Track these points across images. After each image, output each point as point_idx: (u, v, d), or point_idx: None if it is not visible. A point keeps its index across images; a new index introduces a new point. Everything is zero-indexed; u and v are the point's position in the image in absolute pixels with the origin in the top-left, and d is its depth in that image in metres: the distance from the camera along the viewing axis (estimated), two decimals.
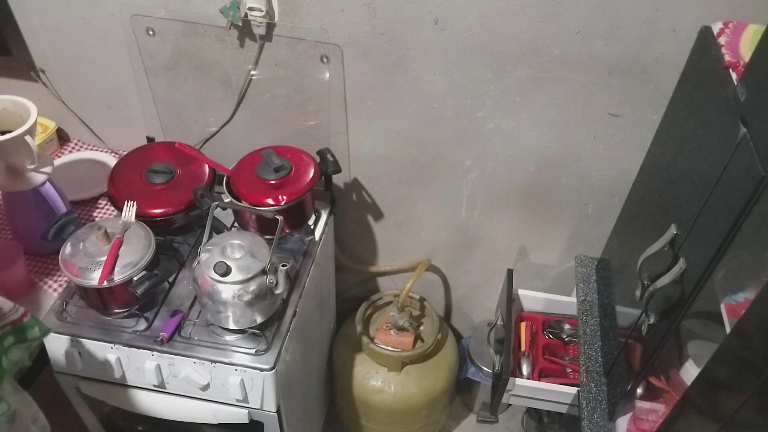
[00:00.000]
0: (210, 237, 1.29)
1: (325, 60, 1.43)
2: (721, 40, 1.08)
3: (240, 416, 1.34)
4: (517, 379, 1.52)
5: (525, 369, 1.60)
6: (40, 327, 1.04)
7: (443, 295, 1.99)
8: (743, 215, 0.81)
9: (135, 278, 1.22)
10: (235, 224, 1.51)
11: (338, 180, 1.67)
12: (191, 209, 1.43)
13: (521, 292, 1.71)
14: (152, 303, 1.34)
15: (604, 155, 1.48)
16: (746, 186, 0.81)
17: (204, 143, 1.67)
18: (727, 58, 1.04)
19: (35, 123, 1.28)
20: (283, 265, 1.25)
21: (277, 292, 1.26)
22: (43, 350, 1.33)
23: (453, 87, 1.42)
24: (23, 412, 1.01)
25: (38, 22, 1.52)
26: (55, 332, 1.29)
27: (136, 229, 1.29)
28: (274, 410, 1.33)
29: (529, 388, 1.53)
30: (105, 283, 1.19)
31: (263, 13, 1.35)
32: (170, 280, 1.39)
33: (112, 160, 1.69)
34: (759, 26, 1.06)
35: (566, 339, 1.66)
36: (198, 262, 1.26)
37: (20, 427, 1.01)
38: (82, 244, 1.24)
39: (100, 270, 1.20)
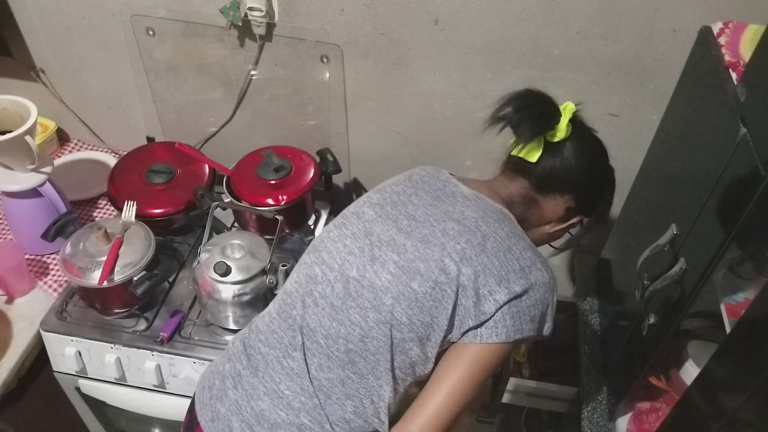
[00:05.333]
0: (210, 237, 1.29)
1: (325, 60, 1.43)
2: (721, 40, 1.08)
3: None
4: (517, 379, 1.52)
5: (525, 369, 1.60)
6: None
7: None
8: (743, 215, 0.81)
9: (135, 278, 1.22)
10: (235, 224, 1.51)
11: (338, 180, 1.66)
12: (191, 209, 1.43)
13: None
14: (152, 303, 1.34)
15: None
16: (746, 186, 0.81)
17: (204, 143, 1.67)
18: (727, 58, 1.04)
19: (35, 123, 1.28)
20: (283, 265, 1.25)
21: (277, 292, 1.26)
22: (43, 350, 1.34)
23: (453, 87, 1.42)
24: None
25: (38, 22, 1.52)
26: (55, 332, 1.29)
27: (136, 229, 1.29)
28: None
29: (529, 388, 1.53)
30: (105, 283, 1.19)
31: (263, 13, 1.35)
32: (170, 280, 1.39)
33: (112, 160, 1.69)
34: (759, 26, 1.06)
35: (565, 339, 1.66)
36: (198, 262, 1.26)
37: None
38: (82, 244, 1.24)
39: (100, 270, 1.20)
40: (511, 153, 1.00)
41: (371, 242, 0.93)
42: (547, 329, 0.92)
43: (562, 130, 0.96)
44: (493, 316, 0.86)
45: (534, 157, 0.97)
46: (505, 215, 0.95)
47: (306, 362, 0.91)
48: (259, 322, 1.01)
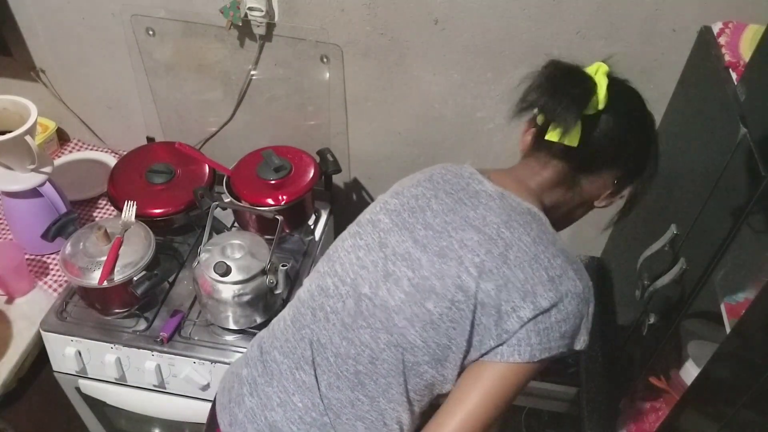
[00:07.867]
0: (210, 237, 1.29)
1: (325, 60, 1.43)
2: (721, 40, 1.08)
3: None
4: None
5: None
6: None
7: None
8: (743, 215, 0.81)
9: (135, 278, 1.22)
10: (235, 224, 1.50)
11: (338, 180, 1.66)
12: (191, 209, 1.43)
13: None
14: (152, 303, 1.34)
15: None
16: (746, 186, 0.81)
17: (204, 143, 1.67)
18: (727, 58, 1.04)
19: (35, 123, 1.28)
20: (283, 265, 1.25)
21: (277, 292, 1.26)
22: (43, 350, 1.34)
23: (453, 87, 1.42)
24: None
25: (38, 22, 1.52)
26: (55, 332, 1.29)
27: (136, 229, 1.29)
28: None
29: (529, 388, 1.52)
30: (105, 283, 1.19)
31: (263, 13, 1.35)
32: (170, 280, 1.39)
33: (112, 160, 1.69)
34: (759, 26, 1.06)
35: None
36: (198, 262, 1.26)
37: None
38: (82, 244, 1.24)
39: (100, 270, 1.20)
40: (545, 137, 0.86)
41: (385, 255, 0.87)
42: (582, 344, 0.84)
43: (601, 101, 0.83)
44: (516, 333, 0.79)
45: (575, 140, 0.84)
46: (533, 216, 0.86)
47: (317, 378, 0.89)
48: (275, 326, 0.99)
